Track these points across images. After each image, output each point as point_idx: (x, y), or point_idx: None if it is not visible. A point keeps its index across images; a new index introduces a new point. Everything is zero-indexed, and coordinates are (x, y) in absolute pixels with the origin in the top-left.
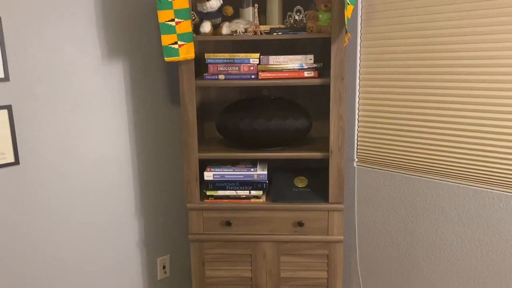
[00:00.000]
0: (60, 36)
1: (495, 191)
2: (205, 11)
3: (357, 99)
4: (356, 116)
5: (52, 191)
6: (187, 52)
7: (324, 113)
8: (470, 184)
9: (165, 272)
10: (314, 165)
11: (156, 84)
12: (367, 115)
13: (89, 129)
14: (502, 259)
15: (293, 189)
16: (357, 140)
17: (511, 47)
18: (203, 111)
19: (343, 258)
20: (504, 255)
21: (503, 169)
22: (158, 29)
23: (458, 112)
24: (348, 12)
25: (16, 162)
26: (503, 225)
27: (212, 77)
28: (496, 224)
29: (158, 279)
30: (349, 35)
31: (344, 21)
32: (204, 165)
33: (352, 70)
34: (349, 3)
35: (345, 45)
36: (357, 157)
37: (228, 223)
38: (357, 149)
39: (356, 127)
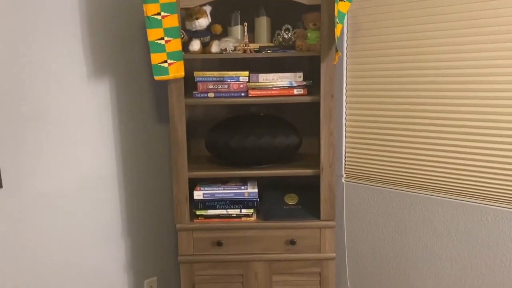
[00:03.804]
0: (45, 55)
1: (484, 205)
2: (194, 30)
3: (344, 115)
4: (344, 132)
5: (36, 213)
6: (176, 70)
7: (311, 130)
8: (458, 198)
9: None
10: (303, 181)
11: (143, 102)
12: (354, 131)
13: (74, 148)
14: (492, 272)
15: (284, 207)
16: (345, 156)
17: (495, 64)
18: (190, 128)
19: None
20: (493, 268)
21: (491, 183)
22: (146, 46)
23: (445, 128)
24: (337, 31)
25: None
26: (491, 238)
27: (201, 95)
28: (485, 237)
29: None
30: (339, 53)
31: (334, 40)
32: (193, 183)
33: (339, 86)
34: (338, 22)
35: (334, 63)
36: (345, 173)
37: (219, 243)
38: (345, 165)
39: (344, 143)
